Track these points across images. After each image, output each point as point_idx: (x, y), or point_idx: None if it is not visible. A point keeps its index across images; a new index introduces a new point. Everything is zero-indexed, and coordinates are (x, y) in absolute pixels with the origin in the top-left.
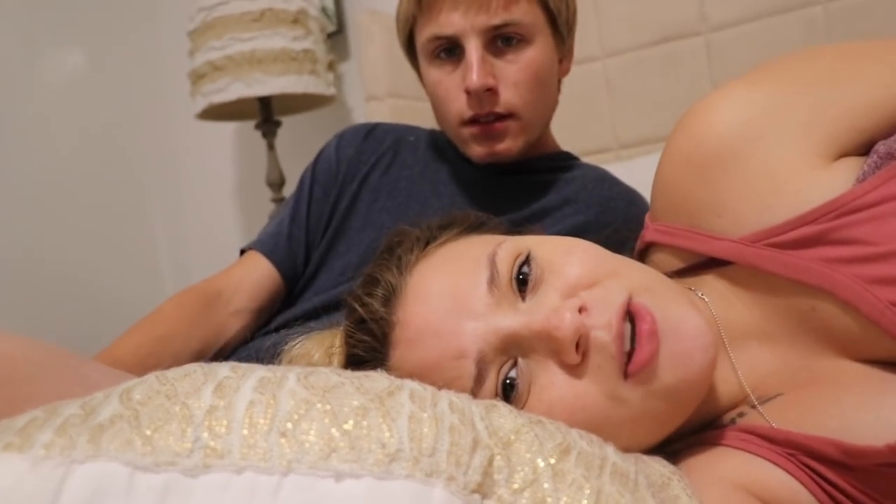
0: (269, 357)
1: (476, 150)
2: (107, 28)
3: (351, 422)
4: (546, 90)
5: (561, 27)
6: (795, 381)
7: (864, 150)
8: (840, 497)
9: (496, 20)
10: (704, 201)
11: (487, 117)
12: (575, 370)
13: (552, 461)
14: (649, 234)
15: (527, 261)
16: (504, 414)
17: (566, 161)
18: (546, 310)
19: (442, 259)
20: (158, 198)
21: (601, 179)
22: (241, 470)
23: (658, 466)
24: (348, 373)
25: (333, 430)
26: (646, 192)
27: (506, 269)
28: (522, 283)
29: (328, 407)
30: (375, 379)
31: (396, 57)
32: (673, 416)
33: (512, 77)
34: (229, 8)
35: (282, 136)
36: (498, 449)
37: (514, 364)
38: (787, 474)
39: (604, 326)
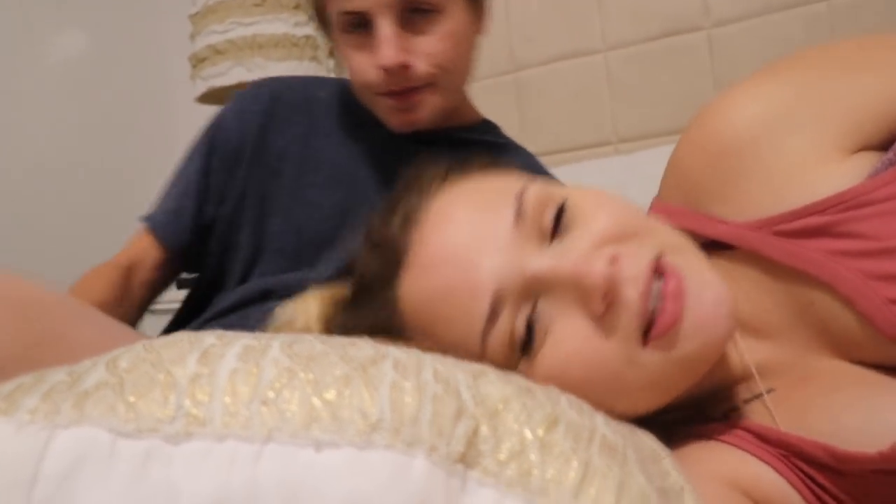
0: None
1: (393, 121)
2: (108, 10)
3: (333, 391)
4: (463, 57)
5: None
6: (789, 377)
7: (888, 143)
8: (830, 501)
9: None
10: (714, 188)
11: (403, 91)
12: (598, 324)
13: (540, 432)
14: (652, 212)
15: (553, 203)
16: (492, 381)
17: (490, 133)
18: (575, 255)
19: (466, 188)
20: (158, 180)
21: (532, 164)
22: (222, 438)
23: (649, 441)
24: (334, 340)
25: (315, 400)
26: (646, 186)
27: (533, 209)
28: (552, 227)
29: (311, 376)
30: (361, 347)
31: None
32: (680, 384)
33: (427, 49)
34: None
35: None
36: (484, 419)
37: (533, 309)
38: (779, 475)
39: (632, 280)
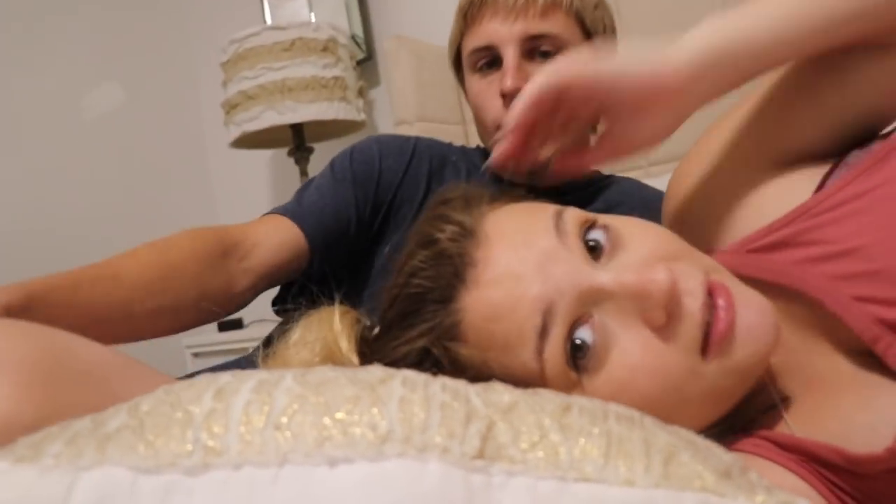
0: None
1: None
2: (143, 63)
3: (343, 410)
4: None
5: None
6: (795, 383)
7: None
8: (851, 503)
9: (533, 29)
10: (694, 240)
11: None
12: (660, 335)
13: (556, 417)
14: None
15: (595, 226)
16: (500, 391)
17: (599, 175)
18: (634, 268)
19: (511, 211)
20: (195, 225)
21: (640, 186)
22: (238, 466)
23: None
24: (343, 368)
25: (326, 420)
26: None
27: (573, 229)
28: (592, 249)
29: (321, 399)
30: (370, 371)
31: (424, 82)
32: (734, 395)
33: None
34: (260, 39)
35: (314, 162)
36: (497, 416)
37: (588, 320)
38: (803, 481)
39: (691, 293)
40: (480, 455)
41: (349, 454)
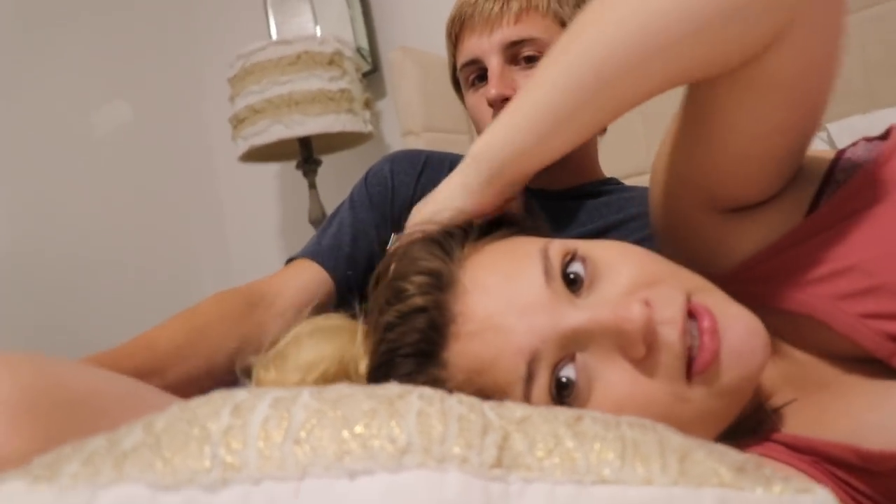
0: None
1: None
2: (151, 80)
3: (362, 424)
4: None
5: None
6: (807, 385)
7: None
8: (864, 502)
9: (511, 36)
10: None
11: None
12: (641, 367)
13: (570, 425)
14: None
15: (575, 258)
16: (512, 406)
17: (618, 185)
18: (611, 304)
19: (493, 254)
20: (204, 241)
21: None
22: (258, 481)
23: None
24: (359, 385)
25: (345, 433)
26: None
27: (557, 266)
28: (573, 282)
29: (339, 413)
30: (386, 387)
31: (429, 92)
32: (728, 414)
33: None
34: (266, 53)
35: (322, 174)
36: (512, 427)
37: (572, 360)
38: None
39: (669, 322)
40: (498, 464)
41: (369, 466)
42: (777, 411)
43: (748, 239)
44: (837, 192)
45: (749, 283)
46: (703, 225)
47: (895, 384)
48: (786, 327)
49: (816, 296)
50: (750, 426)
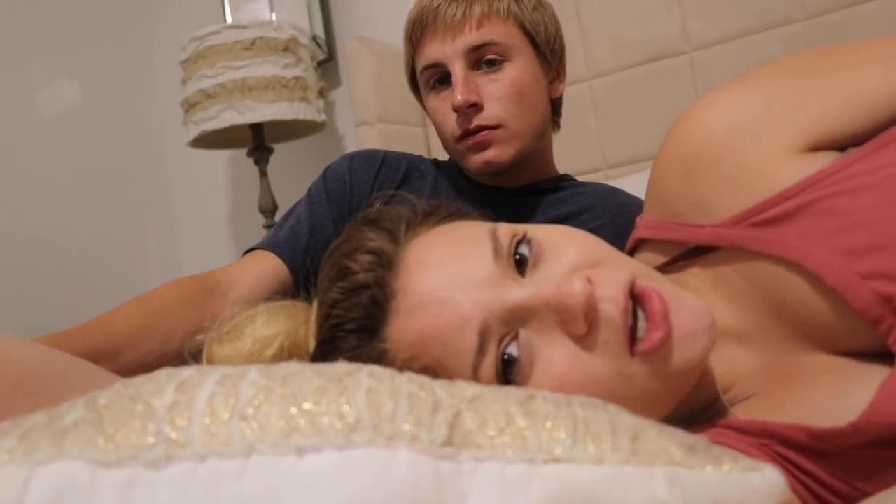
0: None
1: (471, 162)
2: (101, 60)
3: (310, 401)
4: (530, 104)
5: (542, 47)
6: (770, 379)
7: (851, 143)
8: (812, 484)
9: (473, 41)
10: (691, 196)
11: (477, 130)
12: (583, 344)
13: (521, 403)
14: (639, 231)
15: (523, 240)
16: (463, 385)
17: (572, 181)
18: (553, 282)
19: (439, 234)
20: (153, 226)
21: (612, 190)
22: (203, 458)
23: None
24: (308, 363)
25: (293, 410)
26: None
27: (507, 245)
28: (518, 263)
29: (288, 390)
30: (336, 365)
31: (385, 83)
32: (669, 400)
33: (495, 93)
34: (221, 37)
35: (274, 163)
36: (464, 405)
37: (515, 337)
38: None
39: (610, 300)
40: (449, 442)
41: (317, 443)
42: (734, 405)
43: (782, 175)
44: (860, 149)
45: (753, 229)
46: (766, 153)
47: (857, 376)
48: (768, 298)
49: (817, 247)
50: (705, 418)
